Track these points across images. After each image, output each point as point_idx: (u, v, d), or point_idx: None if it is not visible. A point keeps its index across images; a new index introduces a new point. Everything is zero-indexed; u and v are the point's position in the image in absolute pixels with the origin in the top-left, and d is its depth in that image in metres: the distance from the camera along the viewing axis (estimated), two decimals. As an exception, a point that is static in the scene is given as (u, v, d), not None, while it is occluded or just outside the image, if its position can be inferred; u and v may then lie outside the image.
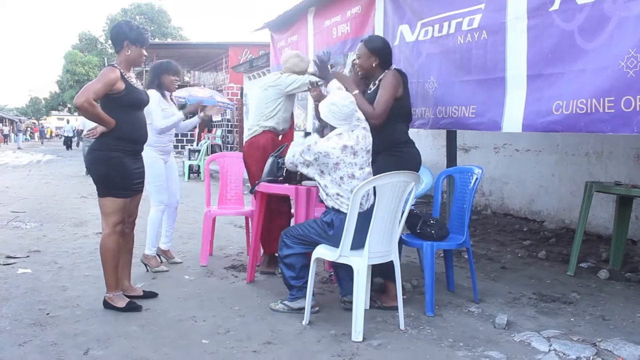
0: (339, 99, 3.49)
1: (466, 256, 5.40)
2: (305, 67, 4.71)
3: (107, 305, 3.76)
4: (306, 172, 3.58)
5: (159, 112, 4.71)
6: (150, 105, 4.35)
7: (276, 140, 4.72)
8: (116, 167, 3.64)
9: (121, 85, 3.61)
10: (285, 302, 3.77)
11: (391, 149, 3.81)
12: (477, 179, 4.02)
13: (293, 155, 3.60)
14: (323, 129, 3.83)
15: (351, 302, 3.47)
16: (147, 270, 4.76)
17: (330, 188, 3.46)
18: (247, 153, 4.74)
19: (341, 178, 3.42)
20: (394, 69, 3.95)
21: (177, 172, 5.13)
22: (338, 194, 3.43)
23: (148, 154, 4.56)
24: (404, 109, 3.91)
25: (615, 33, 3.31)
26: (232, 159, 5.66)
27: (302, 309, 3.63)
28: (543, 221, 7.29)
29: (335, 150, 3.39)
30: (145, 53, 3.79)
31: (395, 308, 3.59)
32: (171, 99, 5.04)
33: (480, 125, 4.36)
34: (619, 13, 3.28)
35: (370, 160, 3.59)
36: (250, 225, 5.38)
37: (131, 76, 3.78)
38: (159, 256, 4.99)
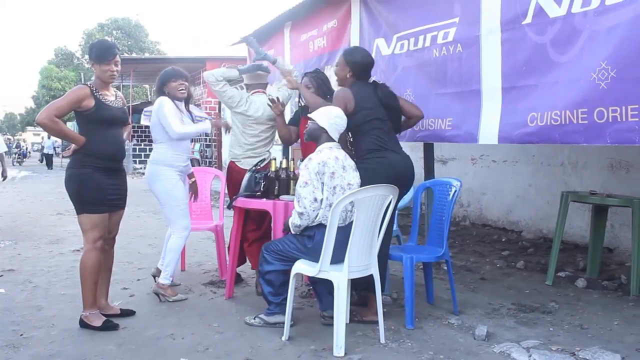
0: (341, 113, 3.64)
1: (445, 268, 5.43)
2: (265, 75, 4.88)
3: (83, 324, 3.69)
4: (312, 198, 3.42)
5: (174, 119, 4.28)
6: (165, 113, 4.26)
7: None
8: (87, 183, 3.62)
9: (90, 103, 3.61)
10: (261, 316, 3.75)
11: (358, 161, 3.77)
12: (455, 191, 4.04)
13: (294, 213, 3.50)
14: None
15: (331, 317, 3.46)
16: (161, 300, 4.36)
17: (323, 200, 3.44)
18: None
19: (334, 187, 3.43)
20: (347, 86, 3.93)
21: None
22: (331, 205, 3.39)
23: (168, 175, 4.38)
24: (362, 121, 3.82)
25: (586, 46, 3.38)
26: (197, 174, 5.60)
27: (278, 324, 3.64)
28: (521, 231, 7.36)
29: (330, 160, 3.44)
30: (111, 68, 3.68)
31: (376, 322, 3.59)
32: (187, 110, 4.60)
33: (457, 137, 4.40)
34: (589, 26, 3.35)
35: (358, 179, 3.58)
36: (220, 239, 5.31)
37: (107, 94, 3.75)
38: (154, 277, 4.72)
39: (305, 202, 3.42)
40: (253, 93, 4.76)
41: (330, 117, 3.58)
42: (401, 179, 3.74)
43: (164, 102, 4.34)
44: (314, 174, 3.41)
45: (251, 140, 4.68)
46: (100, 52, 3.69)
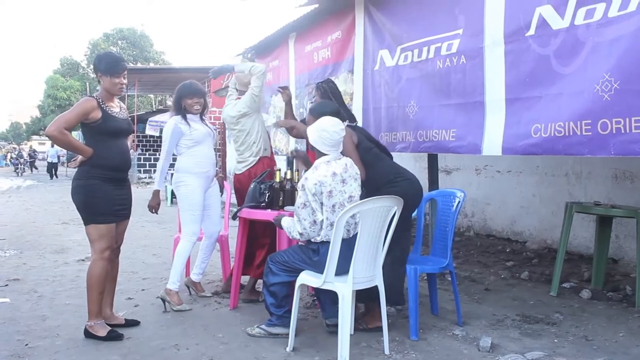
0: (330, 125, 3.51)
1: (449, 278, 5.42)
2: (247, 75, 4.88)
3: (88, 334, 3.71)
4: (311, 220, 3.44)
5: (164, 145, 4.55)
6: (164, 138, 4.55)
7: (269, 164, 4.81)
8: (94, 194, 3.66)
9: (97, 114, 3.65)
10: (262, 326, 3.76)
11: (388, 185, 3.81)
12: (459, 202, 4.04)
13: (293, 228, 3.52)
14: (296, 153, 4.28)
15: (334, 325, 3.49)
16: (165, 310, 4.40)
17: (324, 220, 3.43)
18: (245, 185, 4.62)
19: (333, 206, 3.41)
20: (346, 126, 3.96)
21: (220, 201, 4.92)
22: (332, 223, 3.39)
23: (187, 181, 4.52)
24: (367, 150, 3.95)
25: (589, 58, 3.39)
26: None
27: (279, 335, 3.67)
28: (525, 242, 7.34)
29: (327, 178, 3.39)
30: (121, 81, 3.76)
31: (380, 328, 3.58)
32: (202, 118, 4.71)
33: (461, 148, 4.41)
34: (592, 38, 3.36)
35: (360, 189, 3.59)
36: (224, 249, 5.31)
37: (112, 105, 3.80)
38: (188, 287, 4.83)
39: (305, 223, 3.43)
40: (236, 98, 4.97)
41: (317, 130, 3.52)
42: (420, 197, 4.00)
43: (167, 126, 4.61)
44: (311, 195, 3.40)
45: (235, 146, 4.89)
46: (111, 65, 3.74)
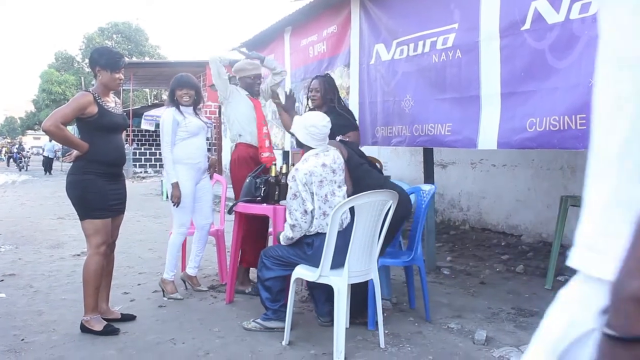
0: (318, 120, 3.55)
1: (445, 272, 5.45)
2: (244, 66, 4.99)
3: (84, 329, 3.71)
4: (302, 210, 3.45)
5: (166, 136, 4.57)
6: (162, 129, 4.63)
7: (246, 150, 4.78)
8: (89, 189, 3.66)
9: (94, 109, 3.65)
10: (258, 320, 3.78)
11: None
12: (427, 197, 4.10)
13: (286, 225, 3.55)
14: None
15: (327, 321, 3.48)
16: (164, 296, 4.60)
17: (316, 210, 3.46)
18: (234, 169, 4.85)
19: (326, 195, 3.45)
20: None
21: (211, 194, 4.96)
22: (325, 213, 3.43)
23: (178, 172, 4.59)
24: (357, 165, 3.97)
25: (584, 52, 3.40)
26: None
27: (275, 329, 3.68)
28: (521, 235, 7.37)
29: (317, 169, 3.42)
30: (120, 76, 3.79)
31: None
32: (195, 111, 4.78)
33: (456, 142, 4.42)
34: (587, 32, 3.37)
35: (343, 180, 3.63)
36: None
37: (108, 100, 3.80)
38: (184, 282, 4.89)
39: (296, 214, 3.44)
40: None
41: (305, 127, 3.54)
42: (409, 210, 4.04)
43: (165, 117, 4.67)
44: (301, 185, 3.42)
45: None
46: (113, 60, 3.75)
